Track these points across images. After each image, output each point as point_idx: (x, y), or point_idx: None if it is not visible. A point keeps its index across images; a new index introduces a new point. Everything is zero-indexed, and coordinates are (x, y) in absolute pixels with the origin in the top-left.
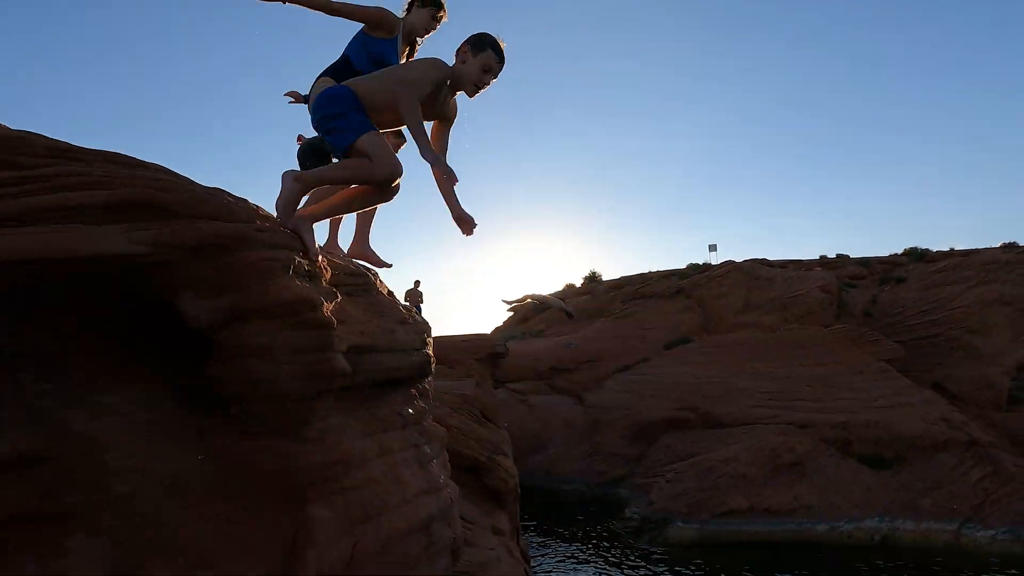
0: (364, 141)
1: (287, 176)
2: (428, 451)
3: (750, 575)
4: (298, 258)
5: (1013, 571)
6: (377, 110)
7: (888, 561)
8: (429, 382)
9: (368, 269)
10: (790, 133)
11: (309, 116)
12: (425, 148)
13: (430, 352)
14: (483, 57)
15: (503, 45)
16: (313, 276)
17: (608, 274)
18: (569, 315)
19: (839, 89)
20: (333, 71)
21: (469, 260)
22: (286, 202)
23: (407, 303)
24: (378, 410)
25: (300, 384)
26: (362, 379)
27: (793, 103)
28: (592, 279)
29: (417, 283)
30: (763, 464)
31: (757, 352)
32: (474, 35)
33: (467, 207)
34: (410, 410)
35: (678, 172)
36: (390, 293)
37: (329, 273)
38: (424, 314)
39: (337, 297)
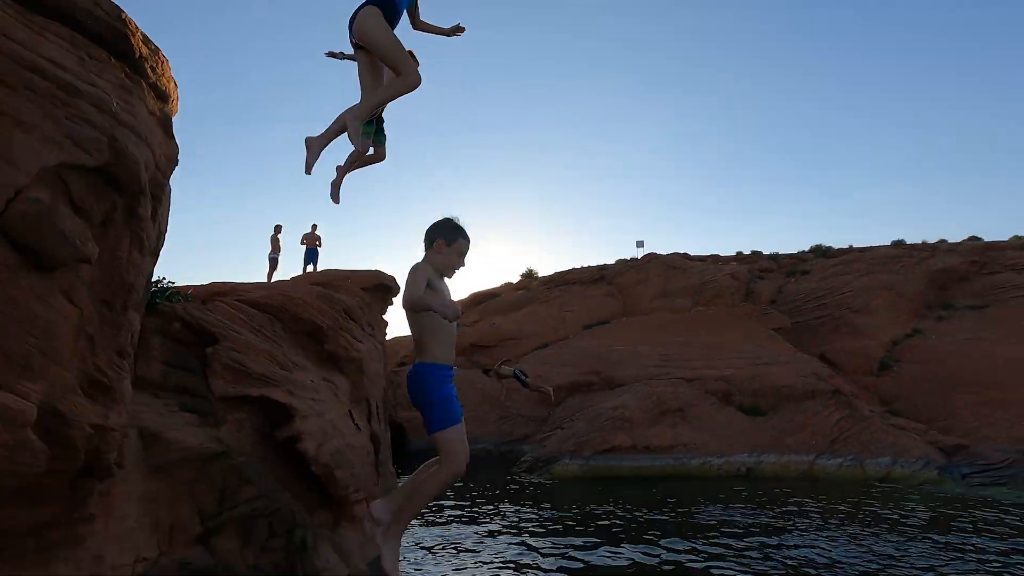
0: (443, 436)
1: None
2: None
3: (618, 499)
4: None
5: (849, 490)
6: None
7: (749, 486)
8: None
9: None
10: (734, 132)
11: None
12: (438, 304)
13: None
14: (456, 246)
15: (466, 226)
16: None
17: (545, 271)
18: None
19: (771, 97)
20: (380, 3)
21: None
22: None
23: (303, 245)
24: None
25: None
26: None
27: (741, 108)
28: (528, 276)
29: (314, 227)
30: (648, 410)
31: (665, 328)
32: (441, 226)
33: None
34: None
35: (613, 173)
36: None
37: None
38: (323, 261)
39: None
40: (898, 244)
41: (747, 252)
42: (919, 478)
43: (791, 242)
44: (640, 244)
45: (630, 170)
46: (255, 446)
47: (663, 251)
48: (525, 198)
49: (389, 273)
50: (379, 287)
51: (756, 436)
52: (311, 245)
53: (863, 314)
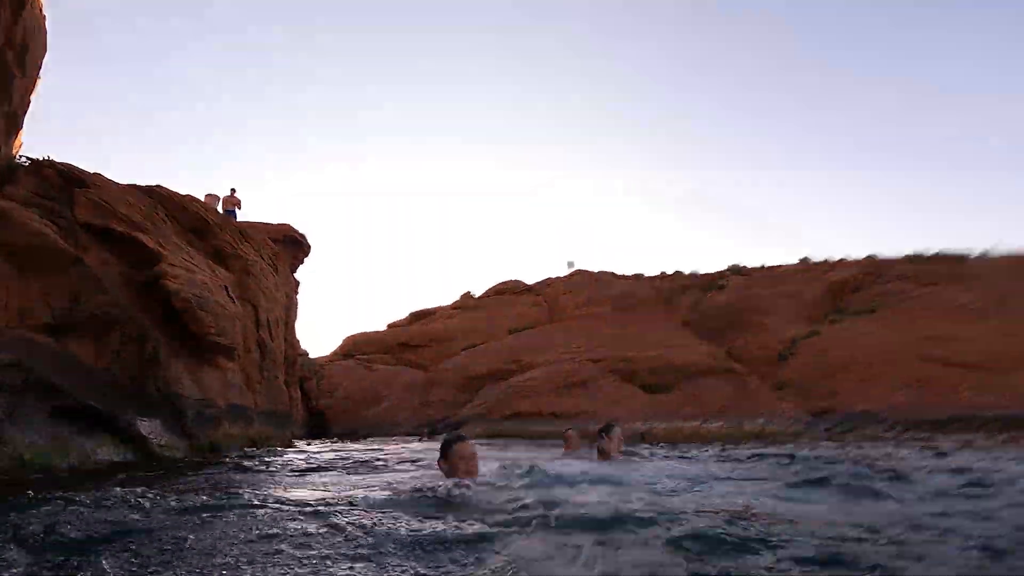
0: None
1: None
2: None
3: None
4: None
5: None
6: None
7: (640, 442)
8: None
9: None
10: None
11: None
12: None
13: None
14: (453, 453)
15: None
16: None
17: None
18: None
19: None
20: None
21: (350, 279)
22: None
23: (222, 210)
24: None
25: None
26: None
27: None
28: (467, 296)
29: (233, 190)
30: (554, 382)
31: (586, 329)
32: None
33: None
34: None
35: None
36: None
37: None
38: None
39: None
40: (803, 261)
41: (670, 272)
42: (786, 432)
43: (711, 263)
44: (571, 264)
45: (565, 197)
46: (121, 288)
47: (594, 267)
48: (460, 212)
49: (301, 231)
50: (289, 240)
51: (653, 409)
52: (229, 207)
53: (768, 315)
